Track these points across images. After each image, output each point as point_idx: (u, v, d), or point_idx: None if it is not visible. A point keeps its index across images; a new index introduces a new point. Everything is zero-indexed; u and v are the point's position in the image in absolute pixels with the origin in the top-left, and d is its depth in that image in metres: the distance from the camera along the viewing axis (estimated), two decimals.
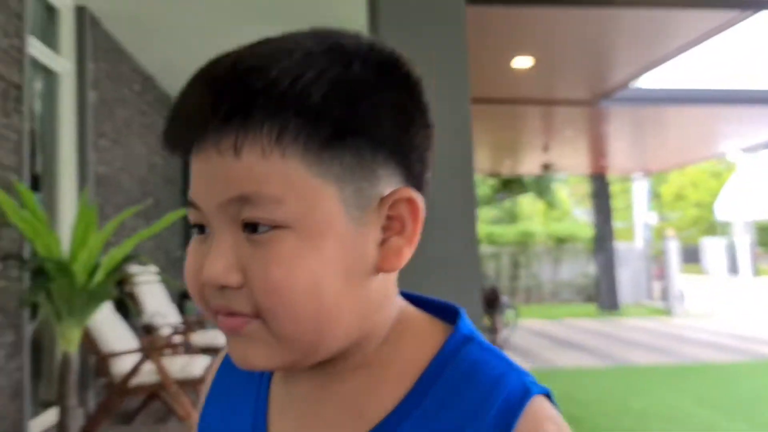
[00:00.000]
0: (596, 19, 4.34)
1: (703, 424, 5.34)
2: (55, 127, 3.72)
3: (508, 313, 7.91)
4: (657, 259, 14.49)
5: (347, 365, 0.44)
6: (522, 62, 5.15)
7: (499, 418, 0.39)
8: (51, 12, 3.73)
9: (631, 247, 16.16)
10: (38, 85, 3.56)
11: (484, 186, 18.34)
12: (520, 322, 9.88)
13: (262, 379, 0.48)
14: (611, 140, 9.32)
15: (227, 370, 0.51)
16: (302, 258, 0.39)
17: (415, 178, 0.44)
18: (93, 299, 2.75)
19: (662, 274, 13.73)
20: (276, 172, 0.38)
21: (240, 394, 0.49)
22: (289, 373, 0.46)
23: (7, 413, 2.84)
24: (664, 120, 7.84)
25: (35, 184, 3.48)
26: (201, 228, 0.42)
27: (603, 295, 13.21)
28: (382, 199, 0.42)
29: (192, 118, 0.40)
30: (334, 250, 0.40)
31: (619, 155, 10.97)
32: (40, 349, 3.64)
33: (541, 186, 18.10)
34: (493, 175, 16.97)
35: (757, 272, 21.89)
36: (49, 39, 3.68)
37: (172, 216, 3.01)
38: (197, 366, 3.53)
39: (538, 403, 0.41)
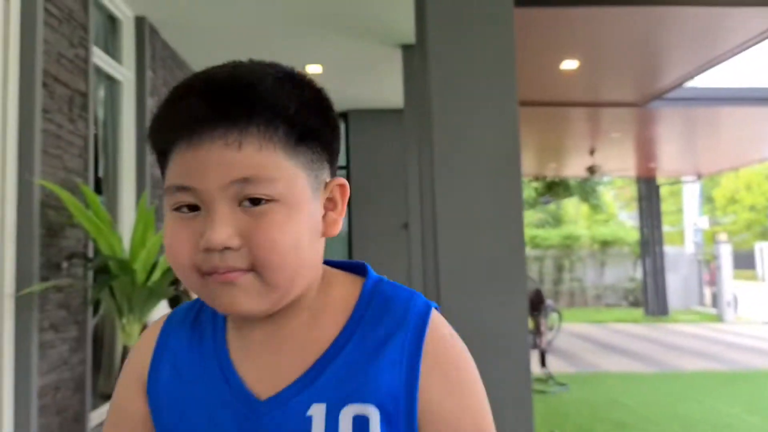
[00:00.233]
0: (647, 18, 4.26)
1: (752, 431, 5.17)
2: (117, 133, 3.92)
3: (552, 317, 7.81)
4: (708, 264, 13.99)
5: (294, 311, 0.57)
6: (569, 64, 5.11)
7: (415, 324, 0.56)
8: (113, 22, 3.93)
9: (681, 252, 15.69)
10: (101, 92, 3.75)
11: (528, 189, 18.13)
12: (564, 325, 9.73)
13: (215, 337, 0.59)
14: (661, 142, 9.08)
15: (165, 345, 0.61)
16: (289, 223, 0.52)
17: (334, 170, 0.59)
18: (151, 296, 2.88)
19: (714, 280, 13.25)
20: (269, 160, 0.52)
21: (193, 354, 0.59)
22: (243, 325, 0.58)
23: (70, 405, 3.01)
24: (717, 121, 7.59)
25: (98, 186, 3.67)
26: (191, 207, 0.53)
27: (651, 299, 12.85)
28: (326, 184, 0.57)
29: (198, 117, 0.51)
30: (305, 218, 0.54)
31: (668, 157, 10.67)
32: (100, 344, 3.83)
33: (586, 189, 17.76)
34: (538, 178, 16.75)
35: None
36: (112, 48, 3.87)
37: None
38: None
39: (435, 313, 0.58)
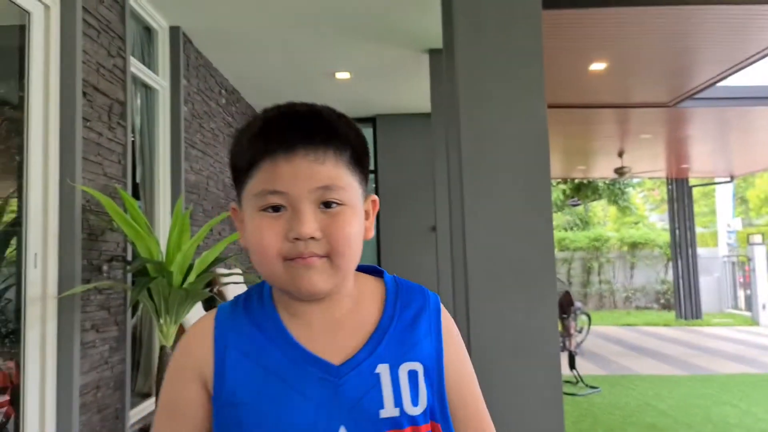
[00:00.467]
0: (677, 17, 4.21)
1: None
2: (153, 140, 4.03)
3: (581, 319, 7.73)
4: (742, 266, 13.65)
5: (340, 300, 0.71)
6: (597, 65, 5.07)
7: (434, 308, 0.75)
8: (148, 33, 4.05)
9: (714, 254, 15.33)
10: (138, 101, 3.87)
11: (556, 191, 17.95)
12: (593, 328, 9.61)
13: (275, 326, 0.70)
14: (693, 143, 8.92)
15: (225, 337, 0.70)
16: (352, 223, 0.68)
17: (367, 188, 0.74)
18: (187, 298, 2.96)
19: (748, 282, 12.93)
20: (340, 174, 0.68)
21: (258, 340, 0.69)
22: (301, 314, 0.71)
23: (110, 403, 3.11)
24: (750, 120, 7.43)
25: (135, 192, 3.78)
26: (275, 208, 0.67)
27: (683, 302, 12.59)
28: (365, 198, 0.73)
29: (295, 139, 0.67)
30: (360, 221, 0.70)
31: (701, 158, 10.46)
32: (138, 344, 3.94)
33: (614, 191, 17.51)
34: (566, 180, 16.57)
35: None
36: (148, 58, 3.99)
37: None
38: None
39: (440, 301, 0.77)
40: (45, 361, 2.66)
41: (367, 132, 7.29)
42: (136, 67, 3.67)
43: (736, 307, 13.89)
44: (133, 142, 3.64)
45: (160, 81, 4.07)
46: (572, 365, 7.00)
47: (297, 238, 0.66)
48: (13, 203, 2.80)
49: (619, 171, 9.51)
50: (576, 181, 17.24)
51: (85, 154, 2.90)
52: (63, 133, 2.78)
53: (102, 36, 3.11)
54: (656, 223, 22.79)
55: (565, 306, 7.00)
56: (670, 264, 13.99)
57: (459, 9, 3.02)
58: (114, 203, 2.83)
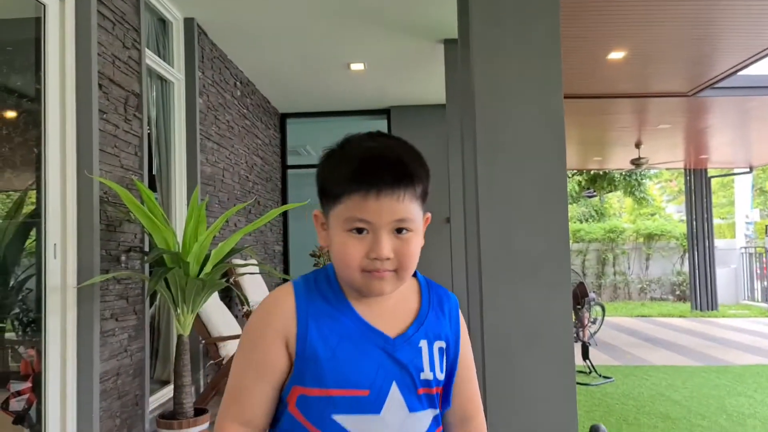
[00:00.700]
0: (698, 4, 4.13)
1: None
2: (168, 132, 4.06)
3: (596, 310, 7.69)
4: (760, 258, 13.47)
5: (395, 293, 0.90)
6: (616, 54, 5.00)
7: (455, 305, 0.97)
8: (163, 25, 4.07)
9: (731, 245, 15.13)
10: (153, 93, 3.89)
11: (571, 182, 17.80)
12: (607, 319, 9.56)
13: (345, 305, 0.89)
14: (712, 133, 8.78)
15: (306, 309, 0.88)
16: (417, 244, 0.88)
17: None
18: (204, 288, 2.99)
19: (766, 273, 12.76)
20: (412, 209, 0.86)
21: (331, 315, 0.88)
22: (367, 300, 0.90)
23: (130, 389, 3.17)
24: None
25: (152, 183, 3.82)
26: (359, 230, 0.85)
27: (699, 293, 12.47)
28: (424, 216, 0.90)
29: (382, 182, 0.84)
30: (420, 240, 0.89)
31: (720, 148, 10.30)
32: (157, 333, 4.00)
33: (631, 182, 17.32)
34: (582, 171, 16.43)
35: None
36: (163, 50, 4.01)
37: (273, 213, 3.22)
38: None
39: None
40: (66, 349, 2.72)
41: (382, 124, 7.27)
42: (151, 59, 3.69)
43: (752, 298, 13.73)
44: (149, 134, 3.67)
45: (175, 73, 4.09)
46: (585, 355, 6.98)
47: (376, 258, 0.84)
48: (33, 195, 2.85)
49: (636, 162, 9.40)
50: (592, 172, 17.08)
51: (102, 146, 2.93)
52: (80, 125, 2.81)
53: (117, 28, 3.13)
54: (673, 214, 22.53)
55: (579, 297, 6.97)
56: (686, 255, 13.85)
57: None
58: (131, 194, 2.86)
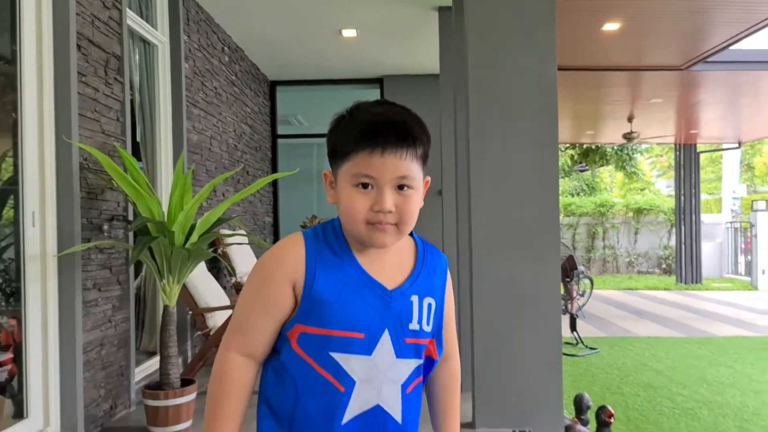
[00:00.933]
0: None
1: None
2: (153, 98, 3.94)
3: (584, 283, 7.75)
4: (745, 233, 13.62)
5: (392, 248, 0.99)
6: (611, 26, 4.91)
7: (445, 263, 1.07)
8: None
9: (717, 220, 15.28)
10: (136, 57, 3.76)
11: (564, 156, 17.79)
12: (595, 291, 9.65)
13: (349, 256, 0.98)
14: (703, 107, 8.75)
15: (315, 258, 0.96)
16: (417, 201, 0.97)
17: None
18: (190, 258, 2.93)
19: (749, 248, 12.92)
20: (413, 167, 0.95)
21: (337, 265, 0.97)
22: (368, 252, 0.99)
23: (115, 360, 3.13)
24: (762, 85, 7.26)
25: (137, 152, 3.72)
26: (365, 185, 0.93)
27: (684, 267, 12.62)
28: (423, 179, 0.99)
29: (388, 142, 0.92)
30: (420, 199, 0.98)
31: (710, 123, 10.30)
32: (143, 304, 3.95)
33: (622, 157, 17.34)
34: (574, 145, 16.39)
35: None
36: (146, 11, 3.87)
37: (261, 182, 3.14)
38: None
39: None
40: (47, 319, 2.66)
41: (374, 94, 7.15)
42: (132, 19, 3.56)
43: (736, 272, 13.94)
44: (132, 100, 3.56)
45: (158, 35, 3.96)
46: (573, 327, 7.05)
47: (379, 211, 0.93)
48: (10, 161, 2.75)
49: (628, 136, 9.38)
50: (584, 146, 17.06)
51: (82, 111, 2.83)
52: (58, 88, 2.70)
53: None
54: (662, 189, 22.66)
55: (569, 270, 7.01)
56: (674, 230, 13.96)
57: None
58: (112, 161, 2.77)
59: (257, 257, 5.24)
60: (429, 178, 1.01)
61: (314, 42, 5.66)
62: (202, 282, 3.67)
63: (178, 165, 2.99)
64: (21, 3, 2.57)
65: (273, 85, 7.12)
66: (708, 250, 13.61)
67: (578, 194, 19.28)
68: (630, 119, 9.03)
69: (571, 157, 18.32)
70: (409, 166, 0.94)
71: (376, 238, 0.95)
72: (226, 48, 5.33)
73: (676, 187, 13.09)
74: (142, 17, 3.75)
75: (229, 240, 4.27)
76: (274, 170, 7.05)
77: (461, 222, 3.80)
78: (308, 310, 0.94)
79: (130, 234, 3.25)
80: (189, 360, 3.97)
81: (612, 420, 3.93)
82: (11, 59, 2.61)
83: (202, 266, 3.82)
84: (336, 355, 0.94)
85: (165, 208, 2.99)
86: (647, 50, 5.82)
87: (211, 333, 3.58)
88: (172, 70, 4.06)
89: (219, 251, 4.16)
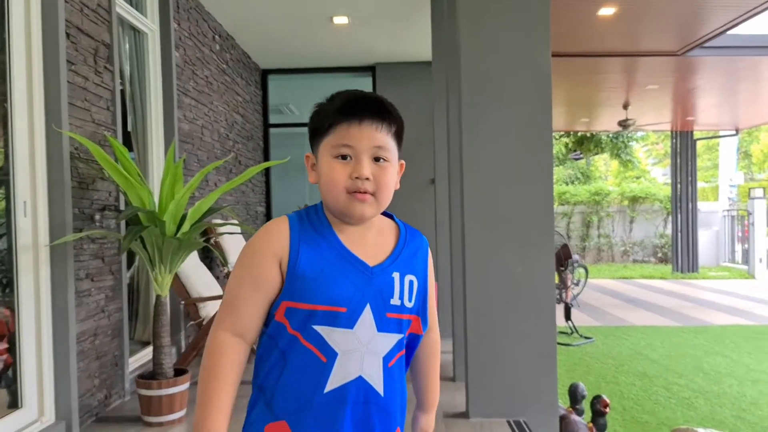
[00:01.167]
0: None
1: None
2: (144, 87, 3.91)
3: (579, 272, 7.77)
4: (742, 221, 13.65)
5: (372, 227, 1.06)
6: (606, 10, 4.88)
7: (427, 245, 1.11)
8: None
9: (714, 208, 15.31)
10: (126, 45, 3.72)
11: (558, 144, 17.76)
12: (590, 281, 9.67)
13: (330, 235, 1.03)
14: (699, 94, 8.73)
15: (298, 236, 1.02)
16: (391, 174, 1.03)
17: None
18: (181, 247, 2.92)
19: (746, 236, 12.95)
20: (388, 140, 1.02)
21: (319, 243, 1.02)
22: (347, 231, 1.04)
23: (109, 350, 3.13)
24: (759, 71, 7.24)
25: (128, 141, 3.69)
26: (344, 157, 1.00)
27: (680, 255, 12.65)
28: (398, 161, 1.06)
29: (365, 115, 1.00)
30: (395, 174, 1.04)
31: (707, 110, 10.28)
32: (137, 294, 3.95)
33: (617, 145, 17.32)
34: (569, 133, 16.37)
35: None
36: None
37: (252, 170, 3.12)
38: None
39: None
40: (40, 309, 2.66)
41: (366, 82, 7.11)
42: (122, 7, 3.52)
43: (733, 260, 13.98)
44: (122, 90, 3.53)
45: (148, 23, 3.91)
46: (568, 316, 7.07)
47: (357, 177, 0.99)
48: (1, 151, 2.73)
49: (624, 123, 9.36)
50: (579, 134, 17.03)
51: (72, 100, 2.80)
52: (47, 77, 2.67)
53: None
54: (657, 177, 22.67)
55: (563, 259, 7.02)
56: (670, 218, 13.98)
57: None
58: (103, 151, 2.75)
59: None
60: (403, 162, 1.07)
61: (305, 29, 5.62)
62: (194, 272, 3.67)
63: (169, 154, 2.97)
64: None
65: (264, 74, 7.08)
66: (704, 238, 13.65)
67: (573, 183, 19.29)
68: (625, 106, 9.01)
69: (566, 145, 18.31)
70: (384, 138, 1.01)
71: (355, 208, 1.00)
72: (216, 36, 5.28)
73: (673, 174, 13.09)
74: (131, 5, 3.71)
75: (221, 229, 4.26)
76: (266, 160, 7.02)
77: (454, 211, 3.79)
78: (293, 287, 0.99)
79: (123, 224, 3.23)
80: (182, 350, 3.98)
81: (607, 410, 3.95)
82: (1, 47, 2.58)
83: (194, 256, 3.81)
84: (319, 328, 0.98)
85: (156, 198, 2.98)
86: (643, 35, 5.79)
87: (204, 323, 3.58)
88: (162, 58, 4.03)
89: (211, 241, 4.15)
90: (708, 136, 15.11)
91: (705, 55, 6.35)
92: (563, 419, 3.57)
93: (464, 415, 2.90)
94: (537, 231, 2.89)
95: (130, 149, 3.73)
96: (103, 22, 3.14)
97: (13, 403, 2.59)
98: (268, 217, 7.07)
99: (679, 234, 12.60)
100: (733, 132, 13.24)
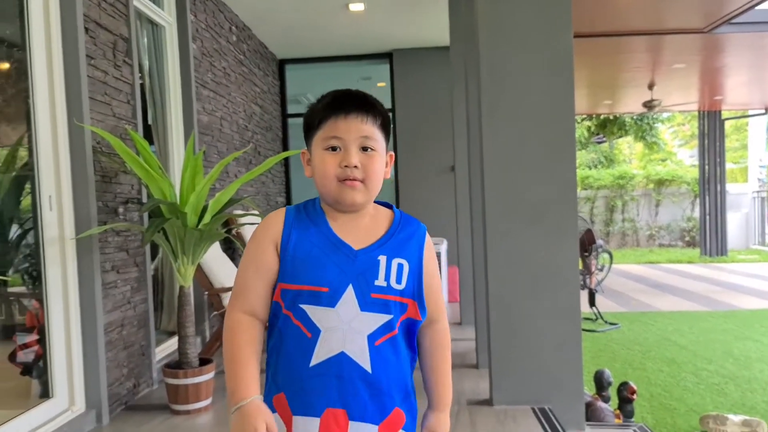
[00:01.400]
0: None
1: None
2: (162, 80, 3.93)
3: (603, 257, 7.66)
4: None
5: (365, 215, 1.14)
6: None
7: (423, 233, 1.16)
8: None
9: (743, 190, 14.94)
10: (144, 39, 3.74)
11: (580, 128, 17.47)
12: (615, 266, 9.54)
13: (323, 223, 1.12)
14: (727, 72, 8.48)
15: (292, 223, 1.12)
16: (379, 163, 1.11)
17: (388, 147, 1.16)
18: (203, 238, 2.95)
19: None
20: (375, 132, 1.11)
21: (310, 229, 1.11)
22: (340, 219, 1.12)
23: (135, 340, 3.18)
24: None
25: (149, 134, 3.72)
26: (334, 148, 1.09)
27: (709, 239, 12.39)
28: (387, 152, 1.14)
29: (352, 109, 1.09)
30: (383, 163, 1.12)
31: (735, 89, 9.99)
32: (161, 286, 4.00)
33: (642, 127, 16.97)
34: (591, 116, 16.09)
35: None
36: None
37: (271, 161, 3.13)
38: None
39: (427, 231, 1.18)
40: (68, 301, 2.71)
41: (384, 69, 7.06)
42: (139, 1, 3.53)
43: (763, 243, 13.66)
44: (142, 84, 3.55)
45: (165, 16, 3.93)
46: (592, 302, 6.99)
47: (347, 166, 1.07)
48: (25, 147, 2.78)
49: (649, 104, 9.15)
50: (602, 116, 16.72)
51: (92, 94, 2.83)
52: (68, 72, 2.70)
53: None
54: (684, 159, 22.19)
55: (587, 244, 6.92)
56: (697, 201, 13.69)
57: None
58: (124, 144, 2.78)
59: None
60: (392, 153, 1.16)
61: (322, 17, 5.59)
62: (216, 263, 3.70)
63: (188, 146, 2.99)
64: None
65: (282, 64, 7.07)
66: (733, 221, 13.35)
67: (595, 167, 18.99)
68: (650, 87, 8.80)
69: (588, 128, 18.00)
70: (370, 129, 1.09)
71: (346, 195, 1.09)
72: (233, 27, 5.29)
73: (700, 156, 12.79)
74: None
75: (242, 220, 4.28)
76: (285, 150, 7.03)
77: (475, 198, 3.75)
78: (285, 268, 1.09)
79: (146, 217, 3.27)
80: (207, 339, 4.03)
81: (634, 396, 3.90)
82: (22, 45, 2.61)
83: (216, 247, 3.84)
84: (305, 307, 1.07)
85: (177, 191, 3.00)
86: (668, 13, 5.62)
87: None
88: (180, 51, 4.04)
89: (233, 232, 4.18)
90: (736, 115, 14.71)
91: (732, 32, 6.16)
92: (589, 406, 3.54)
93: (488, 402, 2.88)
94: (560, 216, 2.84)
95: (151, 142, 3.76)
96: (121, 15, 3.16)
97: (45, 393, 2.65)
98: None
99: (708, 217, 12.33)
100: (763, 111, 12.86)
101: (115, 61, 3.08)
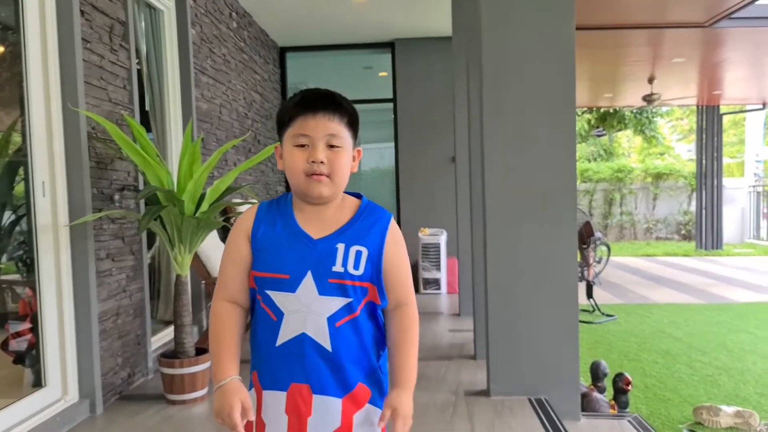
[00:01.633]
0: None
1: None
2: (160, 65, 3.87)
3: (601, 249, 7.66)
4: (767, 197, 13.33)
5: (330, 205, 1.21)
6: None
7: (386, 220, 1.23)
8: None
9: (739, 184, 14.97)
10: (142, 23, 3.68)
11: (580, 121, 17.45)
12: (612, 258, 9.55)
13: (289, 215, 1.21)
14: (727, 67, 8.45)
15: (261, 216, 1.22)
16: (345, 159, 1.19)
17: (356, 143, 1.23)
18: (200, 227, 2.92)
19: None
20: (341, 129, 1.18)
21: (276, 221, 1.20)
22: (306, 210, 1.21)
23: (131, 329, 3.15)
24: None
25: (146, 121, 3.67)
26: (302, 145, 1.17)
27: (705, 232, 12.42)
28: (354, 148, 1.23)
29: (318, 107, 1.17)
30: (349, 159, 1.21)
31: (734, 83, 9.97)
32: (158, 274, 3.97)
33: (641, 120, 16.95)
34: (591, 109, 16.07)
35: None
36: None
37: (270, 149, 3.09)
38: None
39: (393, 218, 1.25)
40: (61, 289, 2.68)
41: (386, 58, 7.00)
42: None
43: (758, 237, 13.71)
44: (139, 69, 3.50)
45: (164, 0, 3.87)
46: (589, 294, 7.00)
47: (313, 161, 1.15)
48: (18, 131, 2.73)
49: (648, 98, 9.13)
50: (602, 110, 16.70)
51: (88, 78, 2.78)
52: (63, 55, 2.65)
53: None
54: (682, 153, 22.21)
55: (585, 236, 6.92)
56: (694, 195, 13.71)
57: None
58: (120, 130, 2.74)
59: None
60: (360, 149, 1.24)
61: (324, 6, 5.53)
62: (214, 251, 3.67)
63: (186, 133, 2.94)
64: None
65: (282, 52, 7.00)
66: (729, 214, 13.38)
67: (595, 160, 18.98)
68: (650, 80, 8.77)
69: (588, 121, 17.98)
70: (337, 127, 1.17)
71: (313, 188, 1.17)
72: (233, 13, 5.22)
73: (698, 150, 12.79)
74: None
75: (241, 209, 4.25)
76: None
77: (475, 189, 3.72)
78: (255, 257, 1.20)
79: (142, 204, 3.23)
80: (203, 329, 4.01)
81: (629, 387, 3.91)
82: (15, 27, 2.56)
83: (214, 236, 3.81)
84: (270, 292, 1.18)
85: (175, 178, 2.96)
86: (669, 6, 5.58)
87: None
88: (179, 36, 3.98)
89: (231, 221, 4.14)
90: (734, 110, 14.71)
91: (733, 27, 6.13)
92: (585, 397, 3.54)
93: (485, 393, 2.88)
94: (559, 209, 2.82)
95: (148, 129, 3.71)
96: None
97: (37, 382, 2.62)
98: None
99: (704, 211, 12.36)
100: (761, 106, 12.85)
101: (112, 45, 3.03)
